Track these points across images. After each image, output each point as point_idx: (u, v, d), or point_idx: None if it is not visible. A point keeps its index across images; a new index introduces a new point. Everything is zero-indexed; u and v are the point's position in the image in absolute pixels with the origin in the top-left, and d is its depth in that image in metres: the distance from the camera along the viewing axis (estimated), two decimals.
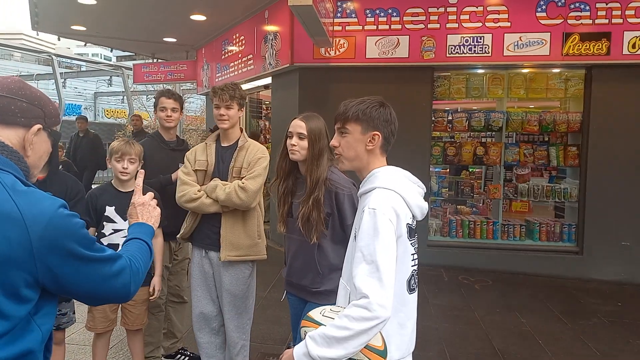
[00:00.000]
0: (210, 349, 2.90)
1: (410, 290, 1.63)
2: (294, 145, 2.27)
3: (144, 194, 1.55)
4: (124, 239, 2.72)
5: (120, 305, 2.80)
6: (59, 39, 11.22)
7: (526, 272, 5.79)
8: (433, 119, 6.20)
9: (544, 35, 5.58)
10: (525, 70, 6.08)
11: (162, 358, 3.39)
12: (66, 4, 7.29)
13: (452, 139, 6.84)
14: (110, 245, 2.63)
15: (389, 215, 1.50)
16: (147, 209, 1.52)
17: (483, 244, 6.14)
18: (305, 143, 2.26)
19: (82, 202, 2.63)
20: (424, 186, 1.73)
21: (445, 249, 6.12)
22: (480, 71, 6.16)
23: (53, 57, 25.92)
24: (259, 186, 2.68)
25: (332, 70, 6.11)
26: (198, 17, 7.74)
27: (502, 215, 6.29)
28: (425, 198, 1.72)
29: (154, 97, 3.33)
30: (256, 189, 2.65)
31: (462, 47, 5.73)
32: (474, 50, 5.70)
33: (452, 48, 5.75)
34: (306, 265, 2.30)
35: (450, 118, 6.32)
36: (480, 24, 5.69)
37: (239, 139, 2.81)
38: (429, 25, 5.78)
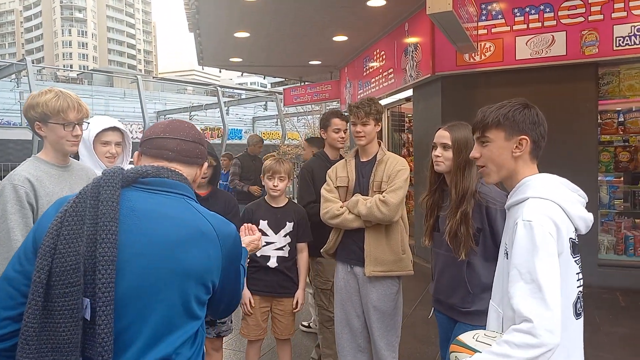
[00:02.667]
0: None
1: (577, 314, 1.42)
2: (438, 156, 2.19)
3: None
4: (275, 251, 2.91)
5: (270, 315, 2.98)
6: (220, 71, 12.68)
7: None
8: (600, 121, 5.46)
9: None
10: None
11: None
12: (224, 40, 8.23)
13: (626, 143, 5.86)
14: (262, 257, 2.83)
15: (548, 228, 1.32)
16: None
17: None
18: (449, 154, 2.16)
19: (237, 217, 2.86)
20: (585, 195, 1.50)
21: (620, 270, 5.31)
22: None
23: (218, 88, 29.31)
24: (400, 199, 2.62)
25: (477, 76, 5.79)
26: (340, 38, 8.05)
27: None
28: (593, 211, 1.48)
29: (322, 117, 3.36)
30: (397, 202, 2.59)
31: (633, 37, 4.97)
32: None
33: (620, 40, 5.02)
34: (454, 283, 2.17)
35: (622, 119, 5.49)
36: None
37: (377, 153, 2.79)
38: (590, 18, 5.14)
